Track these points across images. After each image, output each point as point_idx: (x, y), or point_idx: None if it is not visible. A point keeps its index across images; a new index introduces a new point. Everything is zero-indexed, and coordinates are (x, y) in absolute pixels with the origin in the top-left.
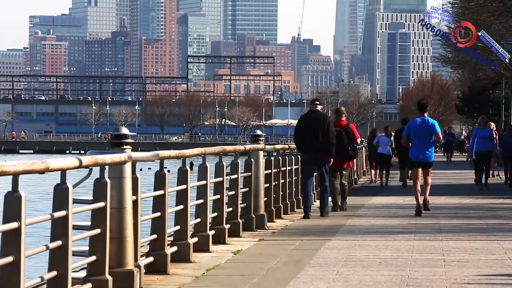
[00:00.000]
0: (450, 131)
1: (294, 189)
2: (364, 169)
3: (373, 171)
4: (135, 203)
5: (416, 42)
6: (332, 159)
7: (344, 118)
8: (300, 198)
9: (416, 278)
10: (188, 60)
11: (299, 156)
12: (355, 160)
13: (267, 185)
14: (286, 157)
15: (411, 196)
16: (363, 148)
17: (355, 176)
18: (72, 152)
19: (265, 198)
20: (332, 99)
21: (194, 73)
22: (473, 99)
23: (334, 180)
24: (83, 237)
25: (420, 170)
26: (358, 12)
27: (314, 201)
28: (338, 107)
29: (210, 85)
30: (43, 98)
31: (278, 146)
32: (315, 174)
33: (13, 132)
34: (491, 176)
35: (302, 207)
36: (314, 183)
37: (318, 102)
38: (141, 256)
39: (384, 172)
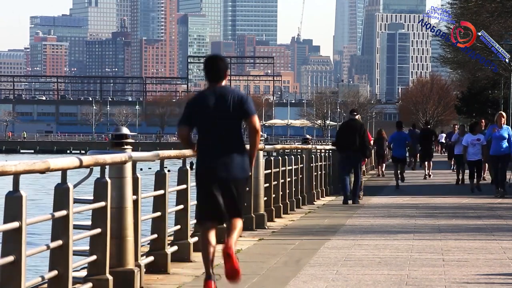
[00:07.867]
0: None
1: (294, 189)
2: (373, 164)
3: (380, 167)
4: (135, 202)
5: (415, 43)
6: (366, 159)
7: None
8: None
9: (416, 277)
10: (188, 60)
11: (299, 156)
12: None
13: (267, 185)
14: (286, 157)
15: (410, 196)
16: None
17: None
18: (73, 152)
19: (265, 198)
20: (331, 99)
21: (194, 74)
22: (472, 99)
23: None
24: (84, 237)
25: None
26: (357, 12)
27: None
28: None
29: None
30: (43, 98)
31: (278, 146)
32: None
33: (10, 132)
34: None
35: (342, 194)
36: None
37: (356, 113)
38: (142, 255)
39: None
